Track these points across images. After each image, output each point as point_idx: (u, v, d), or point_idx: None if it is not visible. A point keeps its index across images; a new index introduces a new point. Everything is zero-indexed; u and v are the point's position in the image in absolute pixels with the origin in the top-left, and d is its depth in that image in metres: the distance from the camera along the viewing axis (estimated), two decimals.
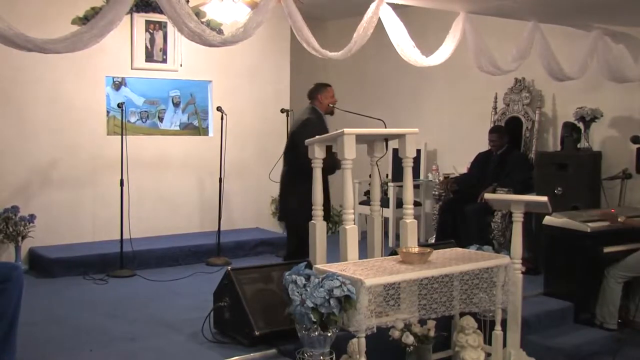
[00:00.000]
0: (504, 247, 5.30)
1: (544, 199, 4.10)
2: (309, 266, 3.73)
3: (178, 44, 6.77)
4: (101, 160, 6.40)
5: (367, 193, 6.96)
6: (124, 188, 5.91)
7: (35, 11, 5.93)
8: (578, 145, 6.05)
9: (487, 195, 4.57)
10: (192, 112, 7.26)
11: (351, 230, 4.09)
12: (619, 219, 5.00)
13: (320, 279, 3.32)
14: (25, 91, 6.10)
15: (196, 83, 7.17)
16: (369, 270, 3.51)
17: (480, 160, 6.49)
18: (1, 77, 5.97)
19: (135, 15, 6.53)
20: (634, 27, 5.74)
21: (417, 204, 6.30)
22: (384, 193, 6.75)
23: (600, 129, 6.10)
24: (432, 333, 3.82)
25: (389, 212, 6.86)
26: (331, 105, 5.19)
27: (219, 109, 6.44)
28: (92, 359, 3.85)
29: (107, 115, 6.62)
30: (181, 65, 6.85)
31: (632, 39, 5.77)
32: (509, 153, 6.33)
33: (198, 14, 5.41)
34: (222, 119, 6.40)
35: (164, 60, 6.79)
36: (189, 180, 7.03)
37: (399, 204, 5.12)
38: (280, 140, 6.81)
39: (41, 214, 6.01)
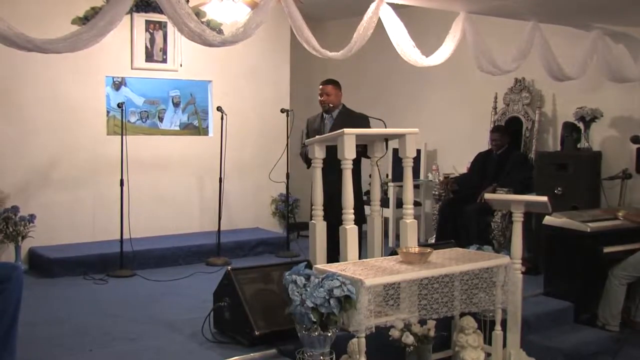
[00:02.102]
0: (504, 247, 5.30)
1: (544, 199, 4.10)
2: (309, 266, 3.73)
3: (178, 44, 6.77)
4: (101, 160, 6.40)
5: (367, 193, 6.95)
6: (124, 188, 5.91)
7: (35, 11, 5.93)
8: (578, 145, 6.05)
9: (487, 195, 4.57)
10: (192, 112, 7.26)
11: (351, 230, 4.10)
12: (619, 214, 5.03)
13: (320, 279, 3.32)
14: (25, 91, 6.10)
15: (196, 83, 7.17)
16: (369, 270, 3.51)
17: (480, 160, 6.49)
18: (1, 77, 5.97)
19: (135, 15, 6.53)
20: (634, 27, 5.74)
21: (417, 204, 6.30)
22: (384, 193, 6.75)
23: (600, 129, 6.10)
24: (432, 333, 3.82)
25: (389, 212, 6.86)
26: (322, 104, 5.16)
27: (219, 109, 6.45)
28: (92, 359, 3.85)
29: (107, 115, 6.62)
30: (181, 65, 6.85)
31: (632, 39, 5.77)
32: (509, 153, 6.33)
33: (198, 14, 5.42)
34: (222, 119, 6.40)
35: (164, 60, 6.79)
36: (189, 180, 7.03)
37: (399, 204, 5.12)
38: (280, 140, 6.82)
39: (41, 214, 6.01)
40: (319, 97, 5.15)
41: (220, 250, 6.38)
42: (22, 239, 5.86)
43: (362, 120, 4.98)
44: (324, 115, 5.19)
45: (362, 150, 4.59)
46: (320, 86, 5.18)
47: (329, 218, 4.33)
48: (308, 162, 4.69)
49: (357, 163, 4.73)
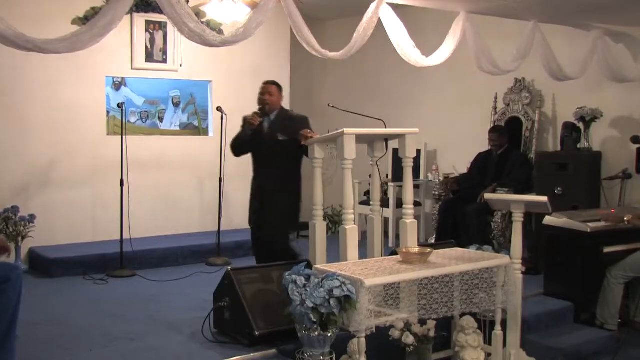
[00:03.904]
0: (504, 247, 5.29)
1: (544, 199, 4.10)
2: (309, 266, 3.73)
3: (178, 44, 6.77)
4: (101, 161, 6.40)
5: (367, 193, 6.96)
6: (124, 188, 5.91)
7: (35, 11, 5.93)
8: (578, 145, 6.05)
9: (487, 195, 4.57)
10: (192, 112, 7.26)
11: (351, 230, 4.10)
12: (625, 218, 4.99)
13: (320, 279, 3.32)
14: (25, 91, 6.10)
15: (196, 83, 7.17)
16: (369, 270, 3.51)
17: (480, 161, 6.49)
18: (1, 77, 5.97)
19: (135, 15, 6.53)
20: (634, 27, 5.74)
21: (417, 204, 6.29)
22: (384, 193, 6.75)
23: (600, 129, 6.10)
24: (432, 333, 3.82)
25: (389, 212, 6.86)
26: (263, 103, 4.93)
27: (219, 109, 6.44)
28: (92, 359, 3.85)
29: (107, 115, 6.62)
30: (181, 65, 6.85)
31: (632, 39, 5.77)
32: (509, 153, 6.33)
33: (198, 14, 5.42)
34: (222, 119, 6.39)
35: (164, 60, 6.79)
36: (189, 180, 7.02)
37: (399, 204, 5.12)
38: None
39: (41, 214, 6.01)
40: (260, 96, 4.92)
41: (220, 250, 6.38)
42: (22, 239, 5.85)
43: (302, 122, 4.82)
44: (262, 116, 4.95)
45: (300, 146, 4.59)
46: (263, 85, 4.99)
47: (259, 226, 4.70)
48: (237, 150, 5.03)
49: (297, 163, 4.84)
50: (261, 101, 4.93)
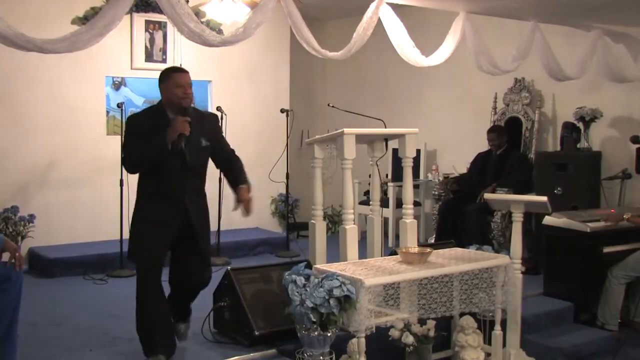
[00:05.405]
0: (503, 247, 5.29)
1: (544, 199, 4.10)
2: (309, 266, 3.73)
3: (178, 44, 6.76)
4: (101, 161, 6.40)
5: (367, 193, 6.96)
6: (124, 188, 5.91)
7: (35, 11, 5.93)
8: (578, 145, 6.05)
9: (487, 195, 4.57)
10: None
11: (351, 230, 4.10)
12: (624, 216, 4.99)
13: (320, 279, 3.32)
14: (24, 91, 6.09)
15: (196, 83, 7.00)
16: (369, 270, 3.51)
17: (480, 161, 6.49)
18: (1, 77, 5.97)
19: (135, 15, 6.53)
20: (634, 27, 5.74)
21: (417, 204, 6.30)
22: (384, 193, 6.75)
23: (600, 129, 6.10)
24: (431, 333, 3.82)
25: (388, 212, 6.86)
26: (178, 101, 3.64)
27: (218, 109, 6.43)
28: (92, 359, 3.85)
29: (107, 115, 6.62)
30: (181, 65, 6.84)
31: (632, 39, 5.77)
32: (508, 153, 6.33)
33: (198, 14, 5.42)
34: (221, 119, 6.38)
35: (164, 60, 6.78)
36: None
37: (399, 204, 5.12)
38: (280, 140, 6.82)
39: (41, 214, 6.01)
40: (180, 89, 3.66)
41: (220, 250, 6.37)
42: (21, 239, 5.85)
43: (215, 121, 4.08)
44: (169, 115, 3.67)
45: (208, 147, 3.84)
46: (182, 74, 3.75)
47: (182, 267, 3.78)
48: (138, 167, 3.72)
49: (202, 175, 4.02)
50: (185, 95, 3.66)
